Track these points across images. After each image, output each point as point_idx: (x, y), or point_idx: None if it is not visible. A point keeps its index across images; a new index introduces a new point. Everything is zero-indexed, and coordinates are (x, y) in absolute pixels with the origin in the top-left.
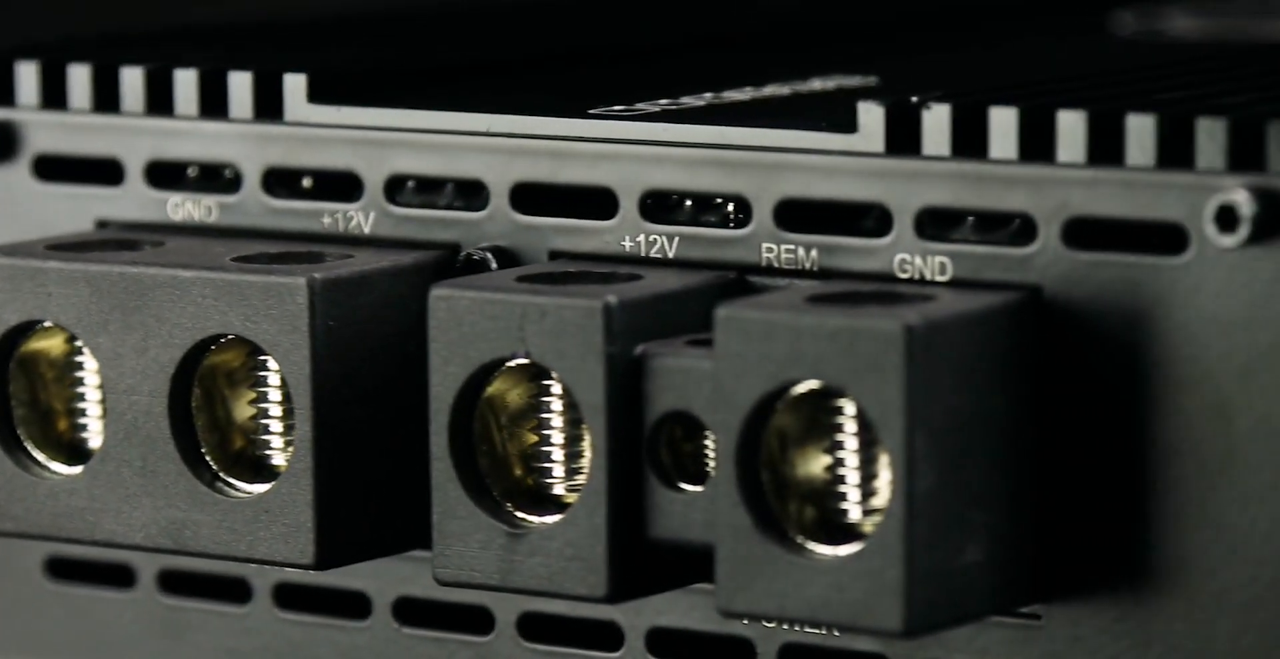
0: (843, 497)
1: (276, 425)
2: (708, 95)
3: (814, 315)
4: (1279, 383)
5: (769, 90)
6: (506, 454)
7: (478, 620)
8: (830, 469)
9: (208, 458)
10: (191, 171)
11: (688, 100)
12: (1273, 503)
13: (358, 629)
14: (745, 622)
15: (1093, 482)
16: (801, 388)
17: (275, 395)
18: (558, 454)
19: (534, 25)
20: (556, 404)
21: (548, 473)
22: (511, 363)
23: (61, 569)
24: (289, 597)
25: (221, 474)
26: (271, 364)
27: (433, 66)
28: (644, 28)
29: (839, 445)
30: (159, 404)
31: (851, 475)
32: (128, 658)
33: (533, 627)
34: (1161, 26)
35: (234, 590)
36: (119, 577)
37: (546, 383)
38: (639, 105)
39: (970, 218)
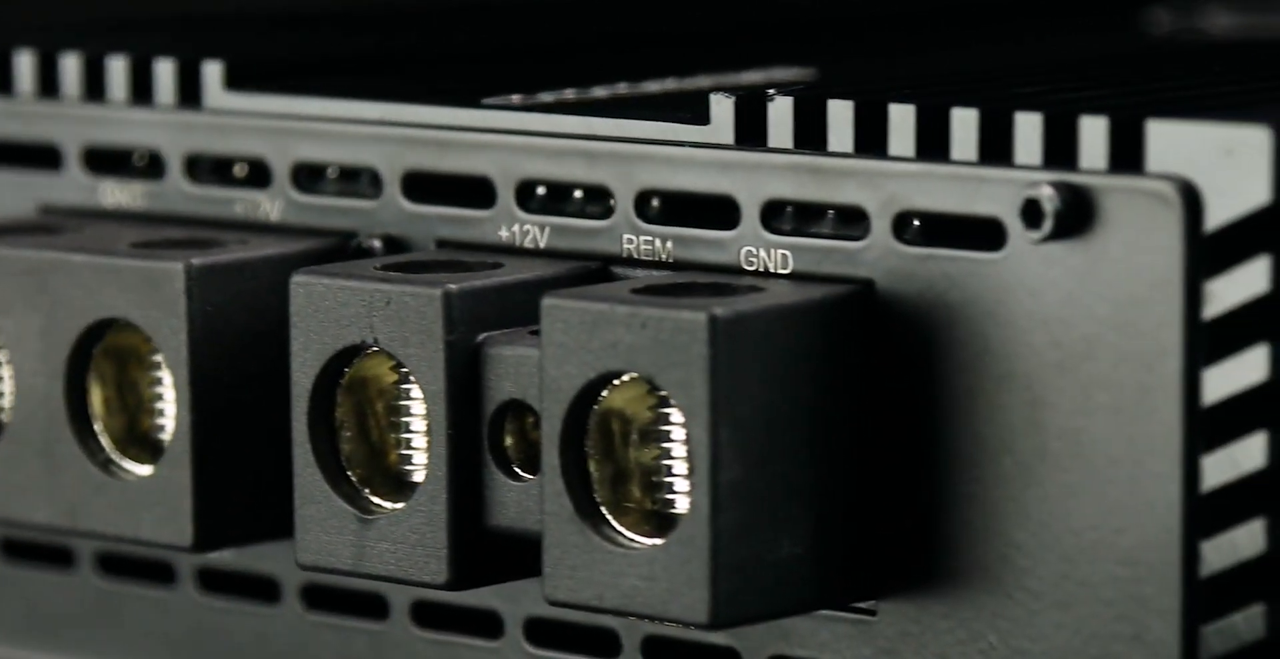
0: (670, 487)
1: (172, 409)
2: (622, 86)
3: (629, 306)
4: (1087, 380)
5: (690, 82)
6: (382, 440)
7: (375, 607)
8: (658, 459)
9: (102, 440)
10: (138, 159)
11: (598, 91)
12: (1081, 499)
13: (269, 614)
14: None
15: (917, 477)
16: (625, 377)
17: (170, 379)
18: (418, 441)
19: (493, 17)
20: (416, 391)
21: (408, 459)
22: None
23: (16, 550)
24: (209, 581)
25: (114, 456)
26: None
27: (361, 56)
28: (608, 20)
29: (666, 436)
30: (56, 386)
31: (678, 466)
32: (69, 639)
33: (424, 614)
34: (1198, 24)
35: (162, 574)
36: (62, 558)
37: (406, 370)
38: (541, 96)
39: (831, 211)
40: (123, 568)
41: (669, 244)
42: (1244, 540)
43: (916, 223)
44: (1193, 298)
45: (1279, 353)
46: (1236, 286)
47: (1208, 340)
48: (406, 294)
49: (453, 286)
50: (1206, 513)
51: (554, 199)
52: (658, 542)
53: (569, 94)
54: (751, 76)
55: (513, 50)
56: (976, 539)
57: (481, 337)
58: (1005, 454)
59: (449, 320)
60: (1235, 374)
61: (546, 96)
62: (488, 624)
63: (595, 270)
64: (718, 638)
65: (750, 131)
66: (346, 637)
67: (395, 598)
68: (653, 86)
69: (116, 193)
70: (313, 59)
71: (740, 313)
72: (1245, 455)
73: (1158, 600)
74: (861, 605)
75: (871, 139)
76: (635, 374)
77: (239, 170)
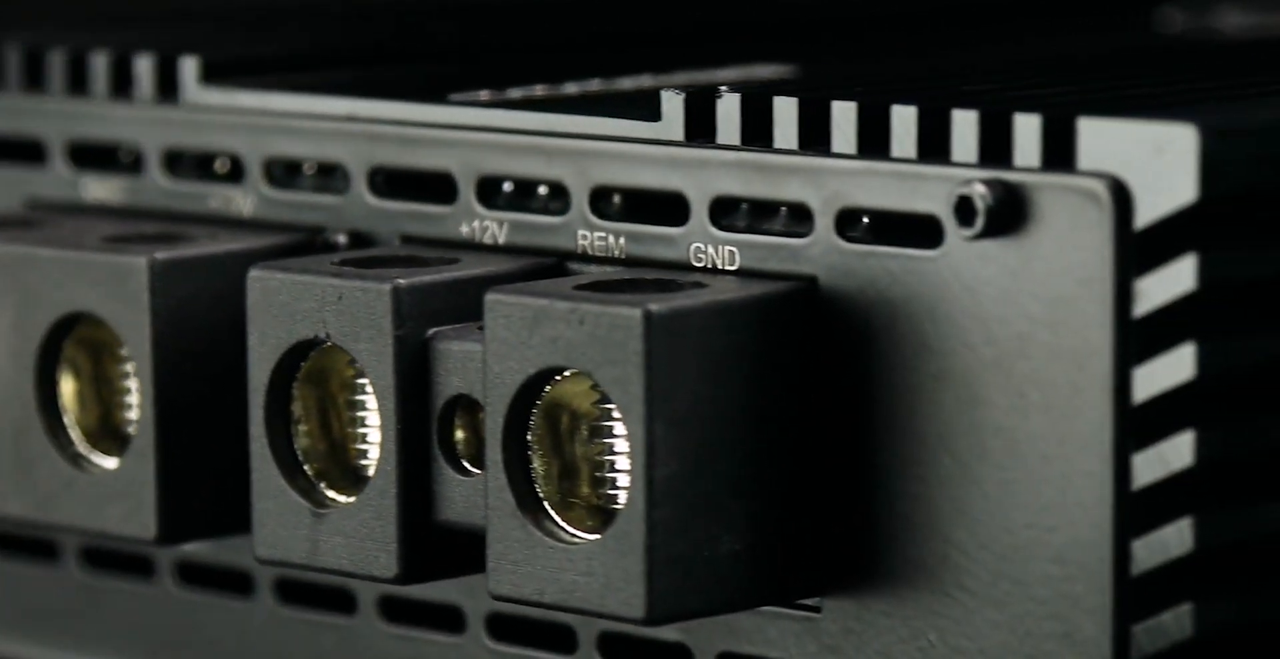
0: (613, 482)
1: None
2: (595, 82)
3: (569, 301)
4: (1021, 378)
5: (665, 79)
6: (342, 434)
7: (344, 601)
8: (603, 454)
9: (72, 433)
10: (124, 154)
11: (570, 88)
12: (1016, 498)
13: (243, 608)
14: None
15: (858, 475)
16: (568, 372)
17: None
18: (372, 435)
19: (486, 14)
20: (370, 385)
21: (364, 454)
22: (326, 344)
23: (1, 543)
24: (187, 574)
25: (83, 450)
26: None
27: (346, 51)
28: (603, 17)
29: (610, 431)
30: (26, 380)
31: (620, 461)
32: (51, 631)
33: (390, 609)
34: (1211, 23)
35: (141, 568)
36: (46, 551)
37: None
38: (510, 92)
39: (784, 208)
40: (104, 561)
41: (621, 240)
42: (1173, 539)
43: (865, 220)
44: (1123, 296)
45: (1205, 351)
46: (1165, 285)
47: (1137, 339)
48: (357, 289)
49: (402, 282)
50: (1137, 511)
51: (520, 195)
52: (595, 537)
53: (539, 90)
54: (727, 74)
55: (499, 47)
56: (916, 537)
57: (431, 331)
58: (944, 452)
59: (398, 315)
60: (1164, 373)
61: (515, 93)
62: (451, 619)
63: (551, 266)
64: (669, 634)
65: (700, 128)
66: (316, 630)
67: (362, 593)
68: (627, 83)
69: (97, 188)
70: (297, 54)
71: (677, 309)
72: (1174, 454)
73: (1089, 599)
74: (807, 602)
75: (816, 136)
76: (575, 370)
77: (220, 165)
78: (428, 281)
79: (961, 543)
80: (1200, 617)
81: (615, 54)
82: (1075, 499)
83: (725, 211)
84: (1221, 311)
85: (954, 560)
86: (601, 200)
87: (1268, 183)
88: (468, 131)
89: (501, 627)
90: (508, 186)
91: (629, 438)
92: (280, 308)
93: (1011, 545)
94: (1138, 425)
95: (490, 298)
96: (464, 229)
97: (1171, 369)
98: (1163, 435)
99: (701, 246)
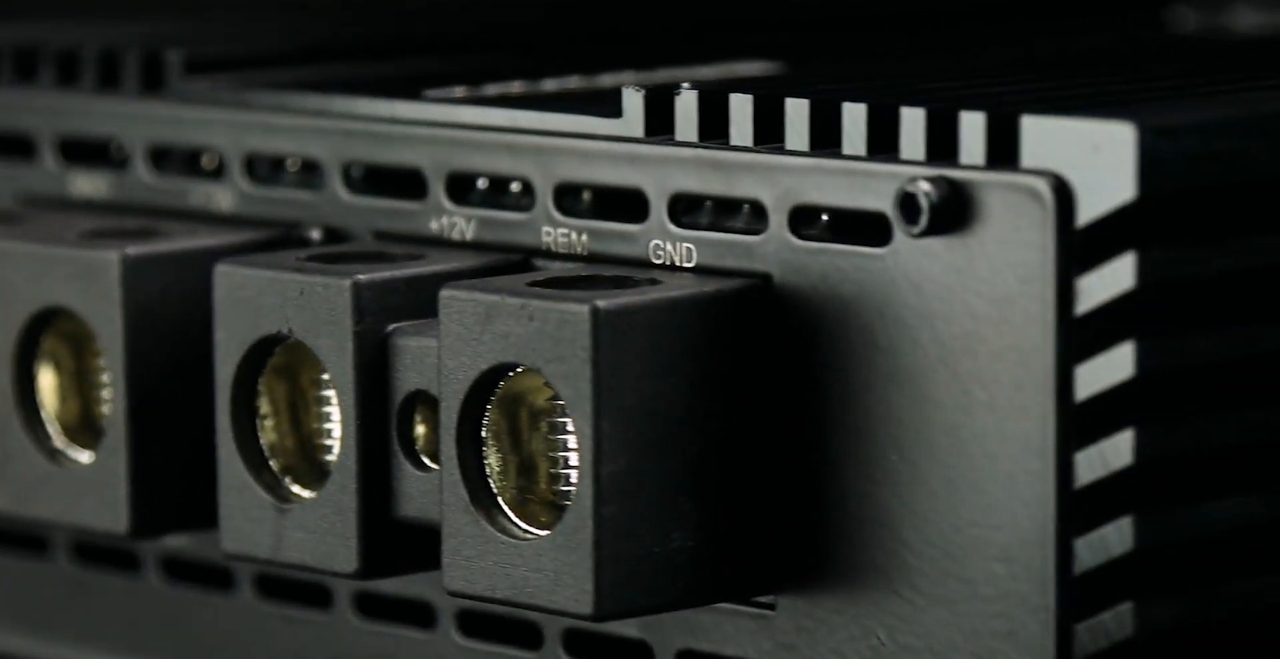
0: (568, 478)
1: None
2: (574, 78)
3: (519, 297)
4: (966, 376)
5: (647, 75)
6: (310, 429)
7: (319, 596)
8: (558, 450)
9: (49, 427)
10: (115, 150)
11: (548, 84)
12: (963, 496)
13: (224, 603)
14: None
15: (810, 472)
16: (520, 369)
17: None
18: (335, 430)
19: (480, 9)
20: None
21: (329, 450)
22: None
23: None
24: (171, 568)
25: (60, 444)
26: None
27: (334, 47)
28: (594, 13)
29: (564, 427)
30: (4, 375)
31: (573, 457)
32: (40, 624)
33: (365, 604)
34: (1225, 22)
35: (127, 562)
36: (34, 545)
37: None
38: (488, 88)
39: (746, 205)
40: (92, 556)
41: (584, 237)
42: (1114, 538)
43: (824, 218)
44: (1064, 294)
45: (1145, 350)
46: (1105, 283)
47: (1079, 337)
48: (318, 284)
49: (361, 277)
50: (1079, 510)
51: (493, 192)
52: (546, 533)
53: (515, 87)
54: (708, 72)
55: (486, 43)
56: (867, 535)
57: (391, 327)
58: (893, 450)
59: (357, 310)
60: (1104, 371)
61: (493, 89)
62: (422, 615)
63: (516, 263)
64: (630, 631)
65: (660, 125)
66: (293, 625)
67: (338, 588)
68: (608, 80)
69: (85, 183)
70: (283, 49)
71: (625, 306)
72: (1114, 453)
73: (1033, 598)
74: (762, 600)
75: (771, 133)
76: (525, 366)
77: (208, 161)
78: (388, 277)
79: (910, 541)
80: (1140, 616)
81: (603, 51)
82: (1019, 498)
83: (690, 209)
84: (1161, 310)
85: (903, 559)
86: (568, 197)
87: (1207, 181)
88: (436, 128)
89: (471, 623)
90: (482, 183)
91: (577, 434)
92: (245, 303)
93: (958, 544)
94: (1079, 424)
95: (444, 293)
96: (433, 225)
97: (1112, 368)
98: (1103, 434)
99: (660, 243)
